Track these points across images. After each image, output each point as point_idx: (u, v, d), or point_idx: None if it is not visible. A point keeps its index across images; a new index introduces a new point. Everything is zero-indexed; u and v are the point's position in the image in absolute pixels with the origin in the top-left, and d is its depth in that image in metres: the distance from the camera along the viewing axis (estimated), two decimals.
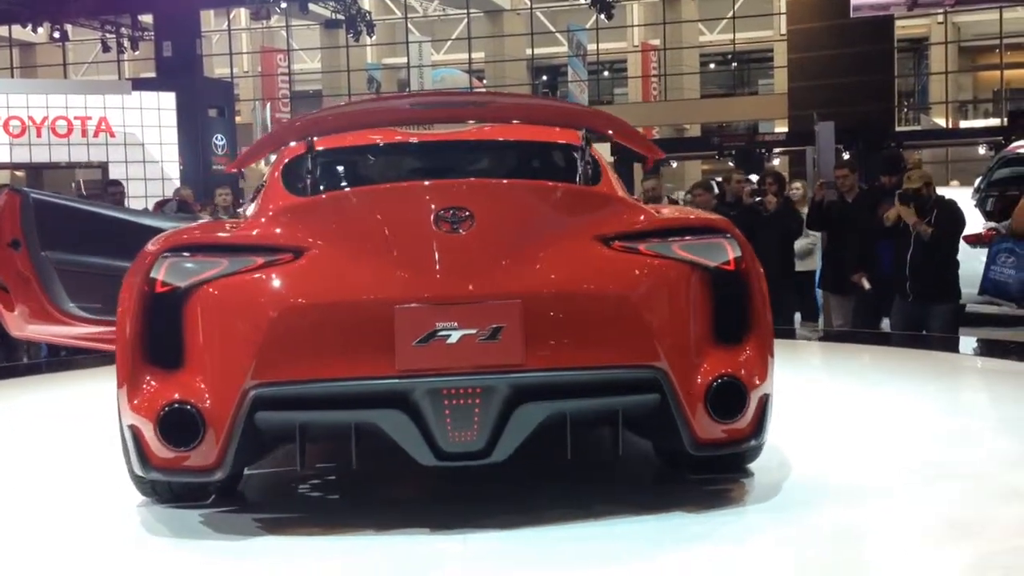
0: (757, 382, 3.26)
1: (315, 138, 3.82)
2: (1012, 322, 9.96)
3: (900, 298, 7.05)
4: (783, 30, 30.11)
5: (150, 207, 12.23)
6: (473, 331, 3.01)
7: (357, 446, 3.10)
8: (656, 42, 35.20)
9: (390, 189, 3.35)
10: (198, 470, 3.12)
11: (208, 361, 3.11)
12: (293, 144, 4.01)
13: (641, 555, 2.95)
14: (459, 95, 3.74)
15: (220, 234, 3.36)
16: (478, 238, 3.10)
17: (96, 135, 19.60)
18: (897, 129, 28.01)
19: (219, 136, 23.17)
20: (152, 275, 3.16)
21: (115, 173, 18.57)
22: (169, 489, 3.45)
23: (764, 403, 3.31)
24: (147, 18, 27.38)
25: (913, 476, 3.68)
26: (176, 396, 3.08)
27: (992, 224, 7.88)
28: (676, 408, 3.14)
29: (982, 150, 25.51)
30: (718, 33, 36.63)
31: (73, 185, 20.24)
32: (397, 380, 3.01)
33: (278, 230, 3.25)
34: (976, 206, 10.20)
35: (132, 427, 3.16)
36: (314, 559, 3.02)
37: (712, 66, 38.55)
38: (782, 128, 29.42)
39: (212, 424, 3.06)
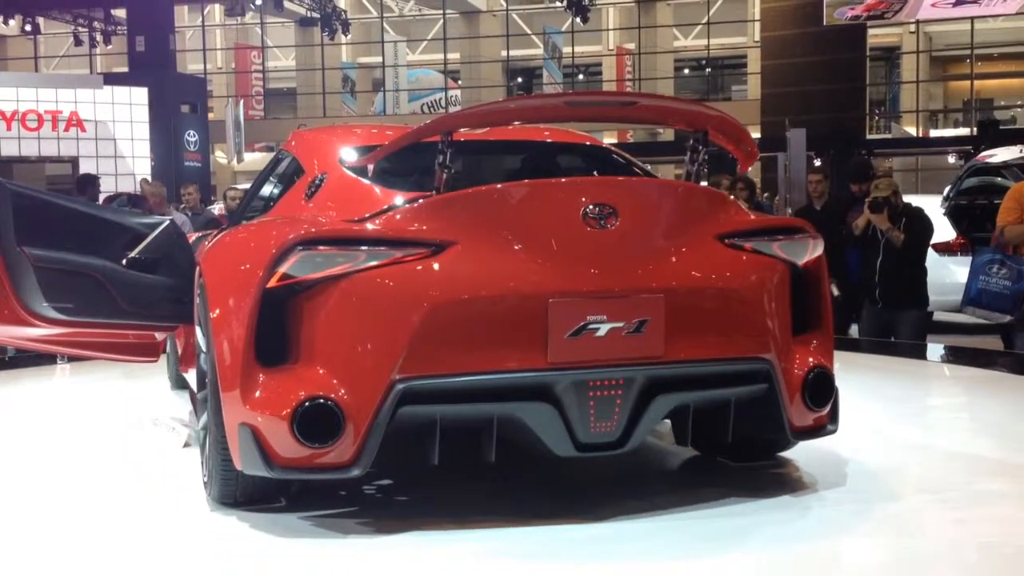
0: (834, 371, 3.53)
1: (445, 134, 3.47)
2: (976, 330, 10.08)
3: (869, 305, 7.11)
4: (757, 37, 30.32)
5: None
6: (620, 324, 3.10)
7: (491, 439, 3.12)
8: (631, 46, 35.33)
9: (533, 185, 3.32)
10: (334, 467, 3.05)
11: (345, 355, 3.05)
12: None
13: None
14: (609, 95, 3.80)
15: (353, 227, 3.23)
16: (623, 234, 3.16)
17: (67, 129, 19.43)
18: (868, 137, 28.28)
19: (191, 132, 23.04)
20: (276, 268, 3.05)
21: (85, 168, 18.42)
22: (250, 491, 3.35)
23: (837, 391, 3.58)
24: (120, 12, 27.22)
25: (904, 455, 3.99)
26: (312, 392, 3.01)
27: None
28: (780, 398, 3.35)
29: (951, 159, 25.79)
30: (693, 38, 36.80)
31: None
32: (548, 372, 3.06)
33: (415, 224, 3.15)
34: (945, 214, 10.31)
35: (249, 426, 3.08)
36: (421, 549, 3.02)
37: (686, 71, 38.72)
38: (755, 134, 29.59)
39: (352, 419, 3.00)
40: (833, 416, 3.59)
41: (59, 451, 4.46)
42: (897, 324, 7.03)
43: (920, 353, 6.82)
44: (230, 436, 3.17)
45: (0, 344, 5.26)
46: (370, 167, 3.54)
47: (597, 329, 3.08)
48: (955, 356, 7.04)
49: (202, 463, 3.63)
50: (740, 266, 3.34)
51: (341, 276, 3.05)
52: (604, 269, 3.13)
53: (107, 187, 17.58)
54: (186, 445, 4.31)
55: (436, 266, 3.07)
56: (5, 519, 3.50)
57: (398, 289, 3.04)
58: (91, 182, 10.73)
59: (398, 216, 3.22)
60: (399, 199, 3.38)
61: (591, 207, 3.15)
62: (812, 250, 3.52)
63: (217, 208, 13.32)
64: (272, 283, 3.06)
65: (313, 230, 3.15)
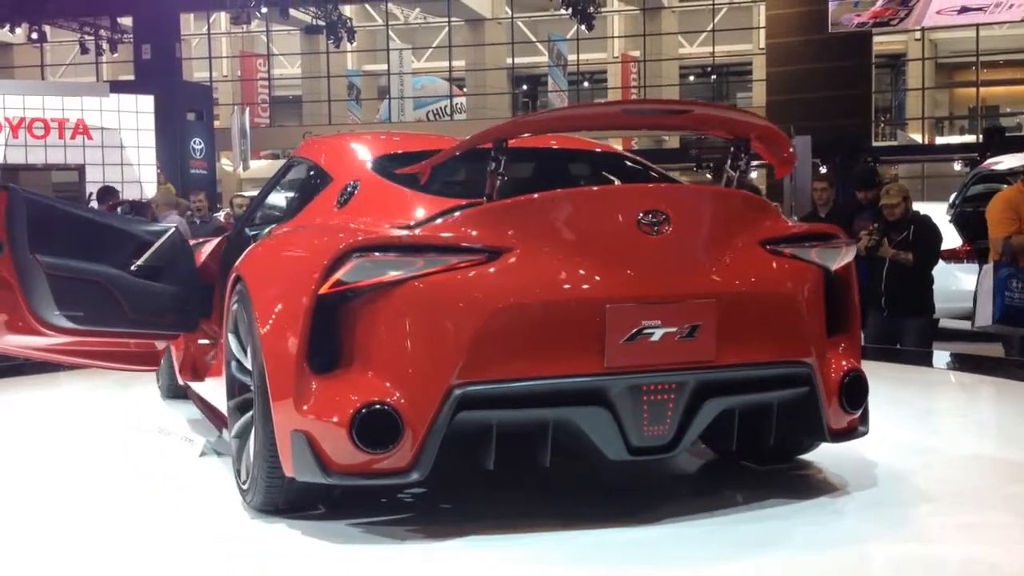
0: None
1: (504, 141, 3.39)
2: (982, 337, 10.04)
3: (875, 312, 7.10)
4: (762, 44, 30.31)
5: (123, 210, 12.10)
6: (674, 329, 3.15)
7: (545, 444, 3.15)
8: (636, 53, 35.34)
9: (588, 192, 3.41)
10: (391, 472, 3.07)
11: (403, 361, 3.06)
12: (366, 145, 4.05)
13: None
14: (665, 103, 3.85)
15: (410, 234, 3.24)
16: (675, 240, 3.22)
17: (73, 137, 19.50)
18: (873, 144, 28.23)
19: (197, 140, 23.10)
20: (331, 274, 3.05)
21: (92, 175, 18.50)
22: (293, 498, 3.36)
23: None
24: (126, 20, 27.28)
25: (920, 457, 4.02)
26: (371, 398, 3.03)
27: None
28: (820, 401, 3.43)
29: (957, 166, 25.75)
30: (698, 46, 36.80)
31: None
32: (604, 377, 3.10)
33: (471, 231, 3.17)
34: (951, 221, 10.29)
35: (303, 433, 3.08)
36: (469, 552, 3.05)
37: (691, 78, 38.71)
38: None
39: (410, 425, 3.02)
40: (864, 418, 3.66)
41: (59, 454, 4.47)
42: (903, 331, 7.01)
43: (926, 360, 6.81)
44: (281, 443, 3.16)
45: (7, 353, 5.23)
46: (423, 175, 3.49)
47: (652, 334, 3.13)
48: (961, 363, 7.02)
49: (237, 472, 3.61)
50: (783, 271, 3.42)
51: (398, 282, 3.06)
52: (658, 275, 3.19)
53: None
54: (202, 455, 4.26)
55: (494, 272, 3.10)
56: (6, 519, 3.52)
57: (457, 295, 3.06)
58: (111, 193, 10.94)
59: (453, 223, 3.23)
60: (441, 206, 3.38)
61: (645, 214, 3.18)
62: (844, 256, 3.62)
63: (223, 215, 13.32)
64: (324, 289, 3.06)
65: (370, 237, 3.17)
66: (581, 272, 3.13)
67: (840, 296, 3.69)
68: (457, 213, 3.26)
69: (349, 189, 3.76)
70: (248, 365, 3.49)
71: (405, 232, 3.26)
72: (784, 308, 3.38)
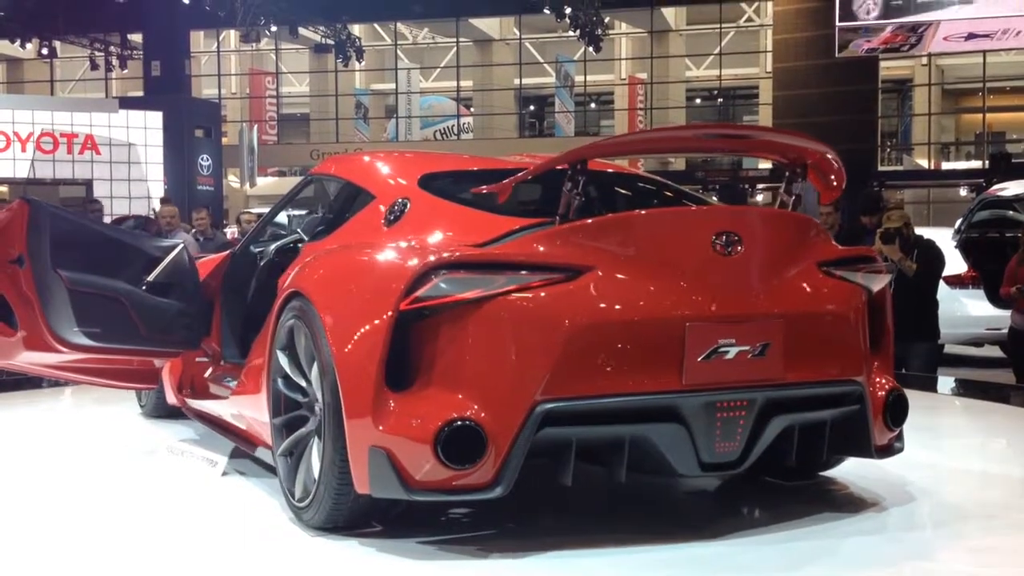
0: None
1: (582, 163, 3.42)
2: (987, 363, 10.03)
3: None
4: (769, 68, 30.39)
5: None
6: (747, 347, 3.24)
7: (622, 460, 3.20)
8: (643, 76, 35.44)
9: (666, 213, 3.51)
10: (474, 488, 3.09)
11: (487, 378, 3.09)
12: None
13: None
14: (734, 127, 3.93)
15: (493, 252, 3.27)
16: (747, 260, 3.30)
17: (82, 152, 19.57)
18: (880, 169, 28.26)
19: (205, 156, 23.20)
20: (412, 291, 3.09)
21: (100, 191, 18.56)
22: (356, 515, 3.35)
23: None
24: (136, 37, 27.45)
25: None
26: (455, 415, 3.04)
27: None
28: (868, 419, 3.54)
29: (963, 192, 25.76)
30: (705, 69, 36.91)
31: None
32: (681, 394, 3.17)
33: (551, 249, 3.21)
34: (956, 247, 10.29)
35: (382, 450, 3.09)
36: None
37: (698, 101, 38.81)
38: (766, 164, 29.64)
39: (494, 441, 3.04)
40: (900, 435, 3.75)
41: (78, 475, 4.40)
42: (908, 356, 7.00)
43: (931, 386, 6.79)
44: (356, 460, 3.16)
45: (15, 370, 5.14)
46: (501, 194, 3.49)
47: (727, 352, 3.20)
48: (966, 389, 7.01)
49: (290, 490, 3.56)
50: (839, 292, 3.52)
51: (479, 299, 3.08)
52: (733, 294, 3.26)
53: (120, 210, 17.70)
54: (224, 474, 4.17)
55: (577, 290, 3.14)
56: (32, 546, 3.47)
57: (541, 312, 3.09)
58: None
59: (529, 241, 3.28)
60: (502, 225, 3.41)
61: (719, 235, 3.25)
62: (883, 279, 3.74)
63: (230, 232, 13.35)
64: (412, 305, 3.09)
65: (453, 254, 3.19)
66: (660, 291, 3.20)
67: (876, 317, 3.77)
68: (532, 232, 3.31)
69: (397, 208, 3.74)
70: (301, 382, 3.51)
71: (487, 250, 3.29)
72: (840, 328, 3.49)
